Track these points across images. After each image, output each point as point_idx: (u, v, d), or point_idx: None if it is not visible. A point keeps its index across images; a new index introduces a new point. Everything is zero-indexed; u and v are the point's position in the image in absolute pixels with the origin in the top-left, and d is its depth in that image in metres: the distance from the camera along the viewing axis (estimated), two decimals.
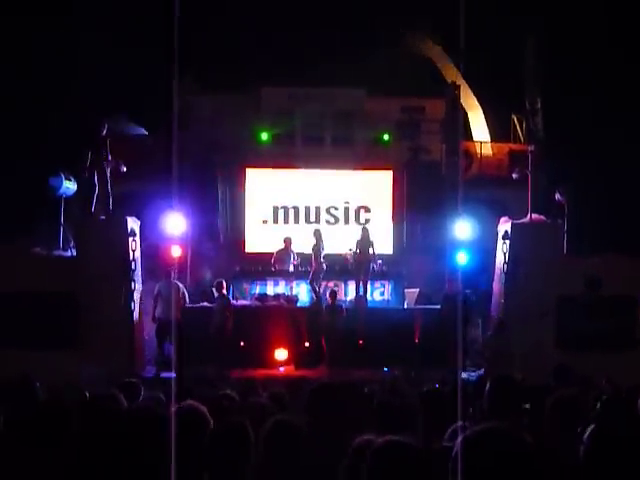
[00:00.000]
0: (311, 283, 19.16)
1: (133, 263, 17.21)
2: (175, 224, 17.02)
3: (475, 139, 23.84)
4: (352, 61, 21.88)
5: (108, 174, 17.47)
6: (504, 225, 18.29)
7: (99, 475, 4.12)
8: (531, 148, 19.21)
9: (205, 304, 18.71)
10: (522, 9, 21.21)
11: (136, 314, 17.41)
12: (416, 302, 19.93)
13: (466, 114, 23.58)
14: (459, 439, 2.72)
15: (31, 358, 14.39)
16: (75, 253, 17.57)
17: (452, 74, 23.54)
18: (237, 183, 22.84)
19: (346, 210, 22.99)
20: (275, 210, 22.91)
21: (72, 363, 14.97)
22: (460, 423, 4.49)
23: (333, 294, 18.44)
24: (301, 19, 23.04)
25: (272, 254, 20.51)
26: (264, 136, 22.61)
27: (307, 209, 22.95)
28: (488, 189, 20.56)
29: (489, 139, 23.99)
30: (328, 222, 22.76)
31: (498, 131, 23.98)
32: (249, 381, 9.84)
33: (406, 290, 20.14)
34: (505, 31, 20.99)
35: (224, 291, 18.16)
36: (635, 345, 17.22)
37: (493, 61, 21.03)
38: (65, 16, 21.16)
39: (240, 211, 22.88)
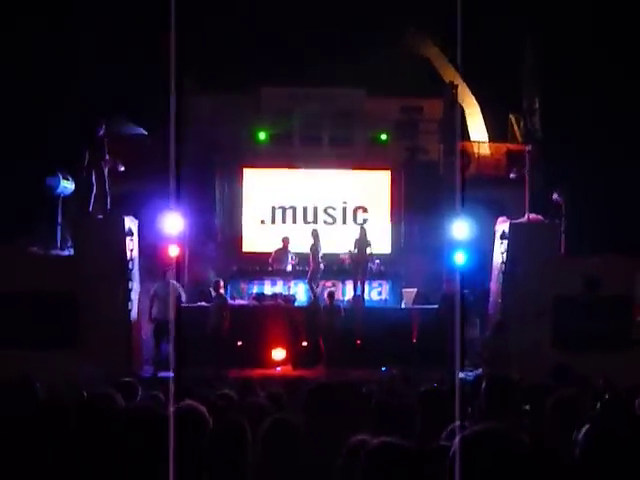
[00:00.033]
0: (309, 283, 19.19)
1: (131, 263, 17.22)
2: (173, 224, 17.03)
3: (473, 139, 23.87)
4: (351, 61, 21.91)
5: (106, 174, 17.46)
6: (502, 225, 18.31)
7: (97, 475, 4.12)
8: (529, 148, 19.23)
9: (202, 304, 18.71)
10: (520, 9, 21.22)
11: (134, 314, 17.41)
12: (414, 302, 19.95)
13: (464, 114, 23.60)
14: (456, 439, 2.73)
15: (29, 357, 14.39)
16: (73, 252, 17.56)
17: (450, 74, 23.56)
18: (235, 183, 22.85)
19: (344, 210, 23.01)
20: (273, 210, 22.92)
21: (70, 362, 14.95)
22: (458, 423, 4.50)
23: (331, 295, 18.45)
24: (301, 19, 23.05)
25: (270, 254, 20.52)
26: (262, 136, 22.63)
27: (305, 209, 22.95)
28: (486, 189, 20.57)
29: (487, 139, 24.01)
30: (326, 222, 22.78)
31: (496, 131, 24.01)
32: (247, 381, 9.83)
33: (404, 290, 20.16)
34: (503, 31, 21.01)
35: (221, 291, 18.17)
36: (632, 345, 17.24)
37: (490, 61, 21.03)
38: (65, 16, 21.16)
39: (238, 211, 22.89)
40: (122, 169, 17.96)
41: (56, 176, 17.52)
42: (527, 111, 20.53)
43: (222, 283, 18.35)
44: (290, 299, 19.45)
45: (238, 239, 22.72)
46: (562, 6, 21.40)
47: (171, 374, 14.69)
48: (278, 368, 17.86)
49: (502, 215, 18.78)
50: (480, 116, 24.25)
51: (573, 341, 16.96)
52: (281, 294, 19.62)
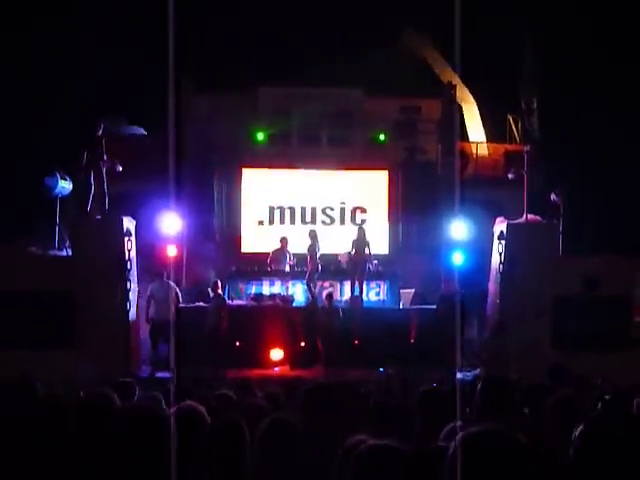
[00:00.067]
0: (307, 283, 19.18)
1: (129, 263, 17.22)
2: (171, 224, 17.03)
3: (471, 139, 23.85)
4: (350, 61, 21.89)
5: (104, 174, 17.46)
6: (500, 225, 18.31)
7: (96, 474, 4.12)
8: (527, 148, 19.23)
9: (201, 304, 18.71)
10: (519, 9, 21.23)
11: (132, 314, 17.41)
12: (412, 302, 19.94)
13: (462, 114, 23.59)
14: (454, 440, 2.73)
15: (27, 357, 14.39)
16: (71, 253, 17.56)
17: (448, 74, 23.54)
18: (234, 183, 22.82)
19: (342, 210, 22.98)
20: (271, 210, 22.89)
21: (68, 362, 14.96)
22: (456, 423, 4.50)
23: (330, 297, 18.45)
24: (299, 19, 23.03)
25: (268, 254, 20.51)
26: (260, 136, 22.60)
27: (303, 209, 22.93)
28: (484, 189, 20.55)
29: (485, 139, 24.00)
30: (324, 222, 22.76)
31: (494, 131, 23.99)
32: (245, 381, 9.84)
33: (402, 290, 20.15)
34: (502, 31, 21.01)
35: (219, 291, 18.17)
36: (631, 345, 17.25)
37: (489, 61, 21.04)
38: (65, 16, 21.15)
39: (236, 211, 22.86)
40: (120, 169, 17.94)
41: (54, 176, 17.51)
42: (525, 111, 20.55)
43: (220, 283, 18.35)
44: (288, 299, 19.45)
45: (236, 239, 22.69)
46: (562, 6, 21.40)
47: (168, 374, 14.73)
48: (276, 368, 17.87)
49: (500, 215, 18.78)
50: (478, 116, 24.24)
51: (572, 341, 16.97)
52: (279, 294, 19.61)
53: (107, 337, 16.35)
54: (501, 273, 17.75)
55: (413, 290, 20.17)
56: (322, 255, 19.41)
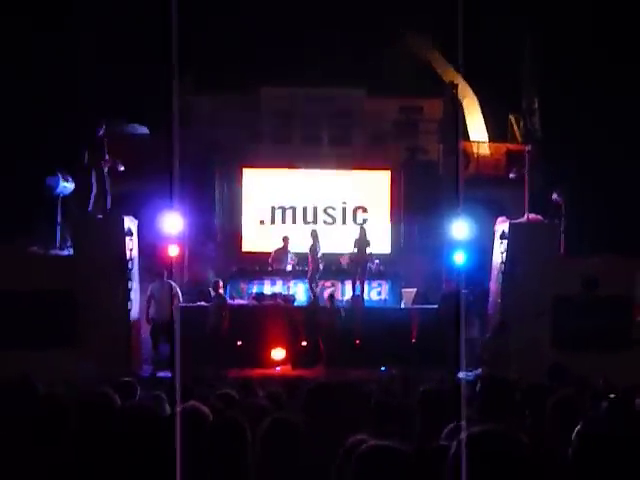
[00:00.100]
0: (309, 283, 19.19)
1: (130, 262, 17.24)
2: (172, 223, 17.03)
3: (472, 139, 23.86)
4: (351, 61, 21.90)
5: (105, 173, 17.47)
6: (501, 225, 18.32)
7: (97, 473, 4.13)
8: (528, 148, 19.22)
9: (202, 303, 18.71)
10: (520, 9, 21.21)
11: (133, 313, 17.43)
12: (413, 302, 19.95)
13: (463, 114, 23.59)
14: (456, 439, 2.74)
15: (28, 356, 14.40)
16: (72, 252, 17.57)
17: (450, 74, 23.55)
18: (235, 182, 22.83)
19: (343, 210, 22.99)
20: (273, 210, 22.90)
21: (69, 361, 14.97)
22: (458, 422, 4.50)
23: (331, 296, 18.46)
24: (301, 19, 23.02)
25: (269, 254, 20.52)
26: (263, 136, 22.61)
27: (304, 209, 22.94)
28: (485, 189, 20.57)
29: (486, 139, 24.01)
30: (325, 222, 22.76)
31: (495, 131, 24.00)
32: (246, 381, 9.83)
33: (403, 290, 20.16)
34: (503, 31, 21.00)
35: (221, 291, 18.17)
36: (631, 345, 17.25)
37: (490, 61, 21.02)
38: (65, 16, 21.15)
39: (237, 210, 22.87)
40: (122, 169, 17.95)
41: (56, 176, 17.53)
42: (527, 111, 20.52)
43: (221, 283, 18.35)
44: (290, 299, 19.46)
45: (238, 239, 22.71)
46: (562, 6, 21.39)
47: (169, 374, 14.72)
48: (277, 368, 17.87)
49: (502, 215, 18.79)
50: (480, 116, 24.24)
51: (572, 341, 16.97)
52: (281, 294, 19.61)
53: (108, 337, 16.37)
54: (502, 273, 17.77)
55: (415, 290, 20.18)
56: (323, 255, 19.42)
